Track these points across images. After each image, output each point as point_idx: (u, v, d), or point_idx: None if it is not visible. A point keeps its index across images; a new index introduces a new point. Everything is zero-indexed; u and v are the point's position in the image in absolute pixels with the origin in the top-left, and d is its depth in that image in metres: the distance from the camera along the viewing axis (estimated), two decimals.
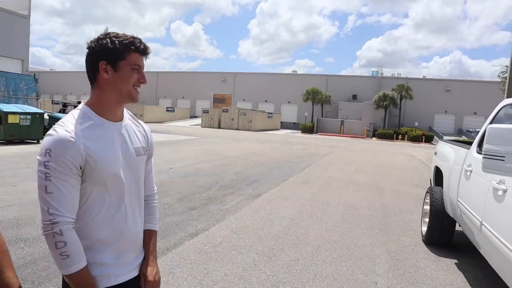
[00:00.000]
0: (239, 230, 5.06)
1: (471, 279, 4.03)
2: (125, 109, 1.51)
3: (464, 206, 3.69)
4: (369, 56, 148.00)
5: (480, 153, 3.68)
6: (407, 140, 40.56)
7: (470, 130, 44.08)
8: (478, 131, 4.83)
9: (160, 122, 46.80)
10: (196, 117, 56.89)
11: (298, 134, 42.32)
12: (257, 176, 9.61)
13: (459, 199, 3.96)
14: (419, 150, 27.26)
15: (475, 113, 49.16)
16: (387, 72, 59.32)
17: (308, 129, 45.54)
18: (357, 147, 25.75)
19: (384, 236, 5.24)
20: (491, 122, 3.87)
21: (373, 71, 57.67)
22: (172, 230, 4.87)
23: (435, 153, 5.65)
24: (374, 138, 41.98)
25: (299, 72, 64.73)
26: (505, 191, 2.73)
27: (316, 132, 45.53)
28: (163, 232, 4.65)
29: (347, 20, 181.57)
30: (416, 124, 45.32)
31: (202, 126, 44.46)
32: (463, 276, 4.10)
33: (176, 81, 63.72)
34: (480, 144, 3.87)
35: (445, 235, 4.87)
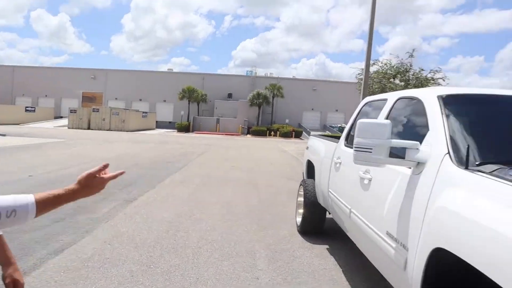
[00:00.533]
0: (113, 239, 4.63)
1: (341, 261, 4.35)
2: None
3: (335, 196, 3.94)
4: (244, 56, 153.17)
5: (348, 146, 3.98)
6: (279, 136, 43.08)
7: (333, 125, 48.87)
8: (340, 126, 5.32)
9: (18, 124, 41.23)
10: (62, 117, 51.54)
11: (174, 133, 41.56)
12: (131, 179, 9.04)
13: (330, 189, 4.22)
14: (290, 145, 29.15)
15: (336, 110, 54.75)
16: (260, 72, 62.22)
17: (184, 128, 45.11)
18: (233, 144, 26.36)
19: (262, 231, 5.35)
20: (356, 118, 4.21)
21: (247, 71, 59.79)
22: (30, 249, 4.15)
23: (307, 148, 5.99)
24: (248, 135, 43.57)
25: (175, 70, 63.51)
26: (370, 180, 2.96)
27: (193, 131, 45.37)
28: (18, 253, 3.92)
29: (224, 20, 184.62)
30: (287, 121, 48.49)
31: (69, 127, 40.49)
32: (334, 259, 4.40)
33: (38, 77, 56.93)
34: (347, 138, 4.18)
35: (318, 223, 5.19)
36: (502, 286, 1.40)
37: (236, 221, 5.79)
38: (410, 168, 2.39)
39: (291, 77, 60.05)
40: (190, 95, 48.75)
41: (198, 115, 49.64)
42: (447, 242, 1.75)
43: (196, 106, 50.40)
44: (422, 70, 22.88)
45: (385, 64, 23.28)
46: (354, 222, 3.18)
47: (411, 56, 22.63)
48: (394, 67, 22.80)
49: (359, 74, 24.40)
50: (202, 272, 3.77)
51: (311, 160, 5.48)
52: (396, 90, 21.08)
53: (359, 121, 2.45)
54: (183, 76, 55.76)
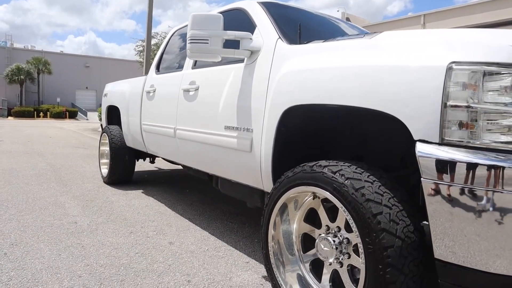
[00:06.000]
0: None
1: (160, 199, 4.27)
2: None
3: (152, 125, 3.77)
4: None
5: (161, 73, 3.85)
6: (50, 117, 38.13)
7: None
8: None
9: None
10: None
11: None
12: None
13: (143, 123, 4.01)
14: (67, 124, 26.31)
15: None
16: (18, 46, 52.40)
17: None
18: None
19: (63, 187, 4.69)
20: (165, 47, 4.09)
21: (1, 41, 49.66)
22: None
23: (105, 95, 5.50)
24: (10, 118, 36.92)
25: None
26: (197, 89, 2.95)
27: None
28: None
29: None
30: (58, 100, 43.36)
31: None
32: (153, 198, 4.27)
33: None
34: (158, 67, 4.03)
35: (127, 170, 4.90)
36: (379, 109, 1.55)
37: (27, 182, 4.87)
38: (242, 62, 2.49)
39: (59, 51, 53.57)
40: None
41: None
42: (301, 97, 1.91)
43: None
44: None
45: (164, 37, 23.65)
46: (182, 137, 3.13)
47: None
48: None
49: (137, 46, 23.96)
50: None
51: (114, 104, 5.07)
52: None
53: (192, 14, 2.39)
54: None
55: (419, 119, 1.40)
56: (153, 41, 22.54)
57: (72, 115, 39.85)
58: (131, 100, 4.39)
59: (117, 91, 5.02)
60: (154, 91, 3.77)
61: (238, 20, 2.92)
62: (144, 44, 17.82)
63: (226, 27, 3.06)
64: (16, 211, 3.53)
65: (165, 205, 3.98)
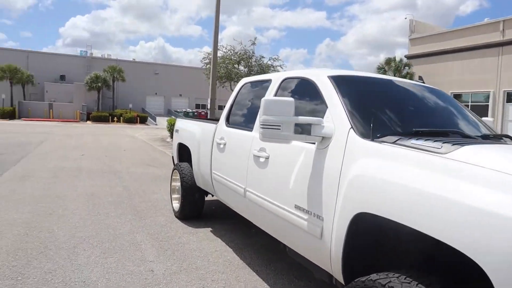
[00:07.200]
0: None
1: (228, 241, 4.44)
2: None
3: (222, 177, 3.96)
4: (75, 34, 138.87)
5: (231, 127, 4.02)
6: (123, 122, 40.80)
7: (178, 110, 48.53)
8: (185, 111, 5.44)
9: None
10: None
11: None
12: None
13: (214, 171, 4.22)
14: (138, 131, 27.97)
15: (180, 95, 54.57)
16: (96, 53, 56.78)
17: (8, 114, 38.60)
18: (74, 131, 23.89)
19: (139, 220, 5.06)
20: (234, 99, 4.27)
21: (82, 51, 54.03)
22: None
23: (177, 131, 5.82)
24: (89, 122, 40.04)
25: None
26: (267, 158, 3.07)
27: (19, 117, 39.35)
28: None
29: None
30: (130, 106, 46.18)
31: None
32: (221, 240, 4.46)
33: None
34: (228, 119, 4.22)
35: (197, 207, 5.16)
36: (430, 234, 1.62)
37: (107, 213, 5.32)
38: (313, 143, 2.56)
39: (131, 59, 57.05)
40: (12, 76, 41.68)
41: (24, 99, 43.07)
42: (370, 206, 1.95)
43: (20, 88, 43.48)
44: (263, 57, 24.82)
45: (229, 50, 24.25)
46: (252, 200, 3.26)
47: (254, 44, 24.17)
48: (238, 53, 23.97)
49: (204, 58, 24.84)
50: (87, 274, 3.37)
51: (184, 143, 5.36)
52: (241, 75, 22.33)
53: (264, 99, 2.48)
54: (0, 53, 47.24)
55: (500, 272, 1.38)
56: (218, 54, 23.23)
57: (143, 120, 42.25)
58: (202, 145, 4.63)
59: (188, 131, 5.28)
60: (225, 145, 3.96)
61: (307, 89, 3.01)
62: (211, 56, 18.44)
63: (294, 93, 3.15)
64: (100, 252, 3.89)
65: (233, 251, 4.15)
